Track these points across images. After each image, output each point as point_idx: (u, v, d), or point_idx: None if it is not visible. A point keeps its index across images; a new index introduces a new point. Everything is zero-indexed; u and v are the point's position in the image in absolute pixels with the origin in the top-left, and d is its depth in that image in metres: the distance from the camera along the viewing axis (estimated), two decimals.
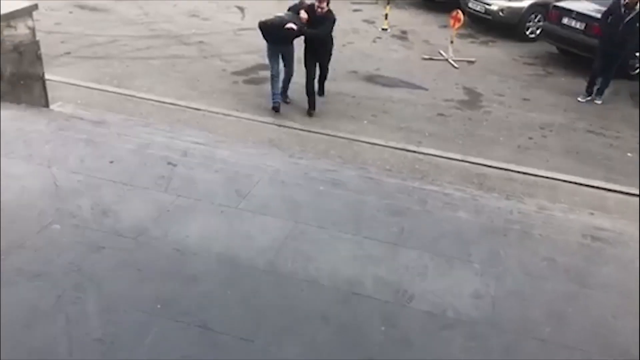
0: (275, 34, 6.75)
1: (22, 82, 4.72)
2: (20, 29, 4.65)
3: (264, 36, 6.88)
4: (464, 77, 8.59)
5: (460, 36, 9.87)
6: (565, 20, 8.88)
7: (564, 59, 9.36)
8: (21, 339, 1.88)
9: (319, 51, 7.10)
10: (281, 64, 6.95)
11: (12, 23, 4.56)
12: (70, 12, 9.73)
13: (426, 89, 8.02)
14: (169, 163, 2.80)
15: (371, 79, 8.23)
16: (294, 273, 2.23)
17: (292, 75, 7.13)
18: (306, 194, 2.71)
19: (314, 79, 7.21)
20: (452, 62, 8.89)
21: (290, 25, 6.61)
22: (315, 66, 7.17)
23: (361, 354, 1.92)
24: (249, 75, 7.85)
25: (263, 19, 6.79)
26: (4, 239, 2.26)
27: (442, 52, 9.15)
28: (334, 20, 7.02)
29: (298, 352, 1.90)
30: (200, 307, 2.04)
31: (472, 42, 9.99)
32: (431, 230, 2.52)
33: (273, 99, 7.03)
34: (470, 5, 10.44)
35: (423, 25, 10.67)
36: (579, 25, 8.70)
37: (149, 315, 2.00)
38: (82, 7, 9.60)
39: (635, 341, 1.96)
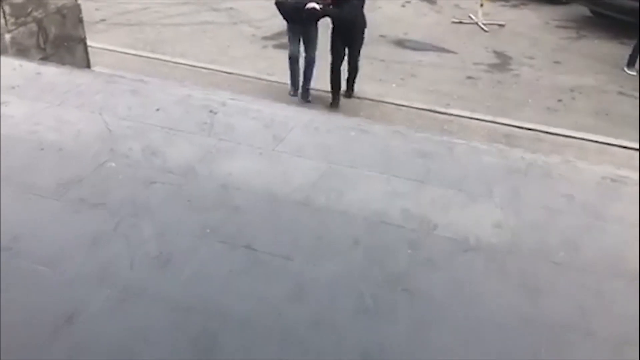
0: (294, 14, 6.03)
1: (65, 44, 5.02)
2: None
3: (282, 15, 6.23)
4: (494, 40, 8.66)
5: None
6: None
7: (598, 22, 9.31)
8: (89, 256, 2.16)
9: (348, 34, 6.18)
10: (302, 47, 6.30)
11: None
12: None
13: (455, 53, 8.14)
14: (210, 111, 3.04)
15: (400, 43, 8.36)
16: (328, 205, 2.46)
17: (313, 62, 6.33)
18: (338, 139, 2.93)
19: (340, 67, 6.34)
20: (482, 26, 8.96)
21: (312, 5, 5.83)
22: (343, 52, 6.28)
23: (389, 272, 2.16)
24: (278, 40, 8.05)
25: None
26: (66, 174, 2.55)
27: (471, 15, 9.21)
28: None
29: (332, 269, 2.15)
30: (244, 232, 2.30)
31: (503, 5, 10.00)
32: (456, 171, 2.73)
33: (291, 84, 6.48)
34: None
35: None
36: None
37: (199, 238, 2.26)
38: None
39: None
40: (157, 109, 3.11)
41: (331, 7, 6.02)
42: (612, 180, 2.74)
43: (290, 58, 6.35)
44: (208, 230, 2.31)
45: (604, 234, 2.40)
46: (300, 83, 6.45)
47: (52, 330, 1.89)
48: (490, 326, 2.00)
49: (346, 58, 6.38)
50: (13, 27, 4.54)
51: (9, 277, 2.08)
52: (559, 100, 7.01)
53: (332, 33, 6.30)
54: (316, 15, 5.98)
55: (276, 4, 6.19)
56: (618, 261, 2.28)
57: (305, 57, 6.33)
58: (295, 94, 6.51)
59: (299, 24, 6.12)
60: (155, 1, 9.10)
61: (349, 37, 6.22)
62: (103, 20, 8.42)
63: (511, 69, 7.75)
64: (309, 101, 6.45)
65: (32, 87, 3.31)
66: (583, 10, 9.57)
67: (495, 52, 8.20)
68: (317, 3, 5.90)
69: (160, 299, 2.03)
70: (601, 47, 8.59)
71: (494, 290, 2.14)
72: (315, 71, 6.39)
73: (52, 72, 3.57)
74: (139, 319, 1.96)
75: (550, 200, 2.58)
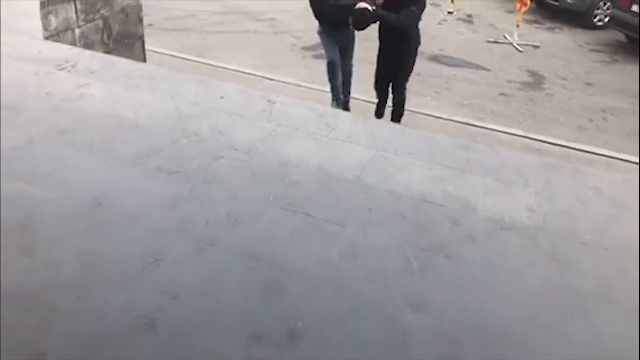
0: (334, 16, 5.09)
1: (126, 41, 5.45)
2: None
3: (317, 17, 5.32)
4: (528, 60, 8.93)
5: (526, 21, 10.18)
6: (635, 8, 9.08)
7: (632, 47, 9.53)
8: (168, 213, 2.50)
9: (398, 52, 5.13)
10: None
11: None
12: None
13: (489, 70, 8.42)
14: (269, 101, 3.39)
15: (435, 58, 8.68)
16: (377, 185, 2.78)
17: (351, 72, 5.65)
18: (385, 130, 3.25)
19: (386, 94, 5.48)
20: (517, 46, 9.23)
21: (364, 4, 4.75)
22: (389, 76, 5.34)
23: (433, 242, 2.46)
24: (317, 50, 8.42)
25: None
26: (143, 146, 2.91)
27: (507, 35, 9.50)
28: (424, 4, 4.97)
29: (381, 236, 2.46)
30: (303, 201, 2.62)
31: (538, 28, 10.29)
32: (494, 162, 3.02)
33: (332, 95, 5.65)
34: None
35: (489, 9, 11.01)
36: None
37: (264, 204, 2.59)
38: None
39: None
40: (222, 97, 3.47)
41: (380, 10, 4.90)
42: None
43: (329, 63, 5.49)
44: (271, 198, 2.63)
45: (627, 221, 2.67)
46: (340, 93, 5.78)
47: (141, 268, 2.23)
48: (521, 292, 2.28)
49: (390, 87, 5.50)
50: (82, 23, 4.97)
51: (101, 226, 2.43)
52: (590, 120, 7.24)
53: (379, 50, 5.32)
54: (366, 19, 4.88)
55: (311, 3, 5.25)
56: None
57: (342, 67, 5.57)
58: (337, 106, 5.76)
59: (337, 29, 5.25)
60: (201, 9, 9.58)
61: (398, 56, 5.19)
62: (150, 25, 8.87)
63: (544, 88, 8.01)
64: (346, 105, 5.88)
65: (109, 72, 3.70)
66: (618, 36, 9.81)
67: (528, 71, 8.47)
68: (367, 3, 4.79)
69: (232, 250, 2.35)
70: (634, 72, 8.80)
71: (526, 262, 2.42)
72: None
73: (124, 62, 3.96)
74: (215, 264, 2.28)
75: (580, 191, 2.86)
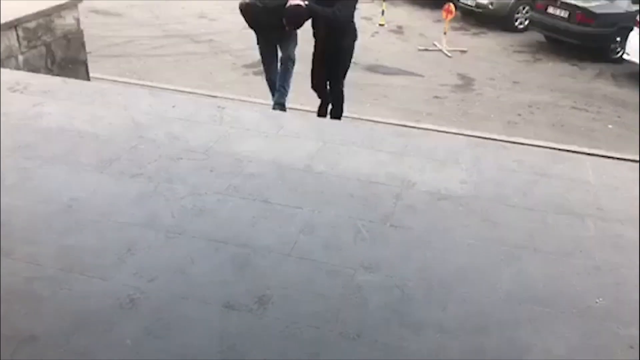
0: (267, 20, 4.89)
1: (70, 65, 5.61)
2: (68, 19, 5.54)
3: (250, 24, 5.11)
4: (457, 64, 9.53)
5: (453, 29, 10.84)
6: (550, 10, 9.86)
7: (552, 46, 10.32)
8: (135, 209, 2.73)
9: (336, 48, 5.03)
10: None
11: (62, 14, 5.46)
12: (86, 17, 10.68)
13: (422, 76, 8.96)
14: (219, 106, 3.67)
15: (371, 68, 9.15)
16: (326, 171, 3.09)
17: (292, 63, 5.22)
18: (330, 125, 3.58)
19: (326, 93, 5.37)
20: (446, 52, 9.83)
21: (296, 1, 4.62)
22: (326, 74, 5.25)
23: (379, 215, 2.78)
24: (258, 67, 8.74)
25: (246, 2, 4.95)
26: (105, 154, 3.13)
27: (436, 43, 10.10)
28: None
29: (333, 214, 2.76)
30: (260, 190, 2.90)
31: (465, 34, 10.97)
32: (428, 145, 3.39)
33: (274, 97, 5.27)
34: (461, 0, 11.43)
35: (418, 20, 11.65)
36: (563, 13, 9.68)
37: (225, 195, 2.85)
38: (96, 12, 10.51)
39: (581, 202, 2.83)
40: (173, 106, 3.72)
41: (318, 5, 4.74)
42: (554, 149, 3.44)
43: (268, 81, 5.46)
44: (230, 190, 2.90)
45: (546, 185, 3.07)
46: (276, 93, 5.25)
47: (117, 259, 2.44)
48: (458, 248, 2.63)
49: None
50: (25, 50, 5.13)
51: (75, 225, 2.63)
52: (519, 115, 7.83)
53: (316, 48, 5.19)
54: (300, 15, 4.74)
55: (242, 9, 5.02)
56: (560, 203, 2.94)
57: (282, 57, 5.22)
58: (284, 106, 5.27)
59: (273, 33, 5.06)
60: (139, 34, 9.77)
61: (336, 52, 5.06)
62: (89, 52, 8.99)
63: (474, 89, 8.59)
64: (282, 107, 5.16)
65: (61, 91, 3.89)
66: (538, 37, 10.58)
67: (458, 74, 9.05)
68: None
69: (200, 236, 2.61)
70: (555, 68, 9.55)
71: (461, 224, 2.78)
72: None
73: (75, 81, 4.16)
74: (185, 249, 2.53)
75: (504, 163, 3.25)
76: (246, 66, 8.88)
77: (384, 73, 8.97)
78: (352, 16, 4.98)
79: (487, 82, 8.83)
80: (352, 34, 5.08)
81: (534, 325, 2.20)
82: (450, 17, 9.83)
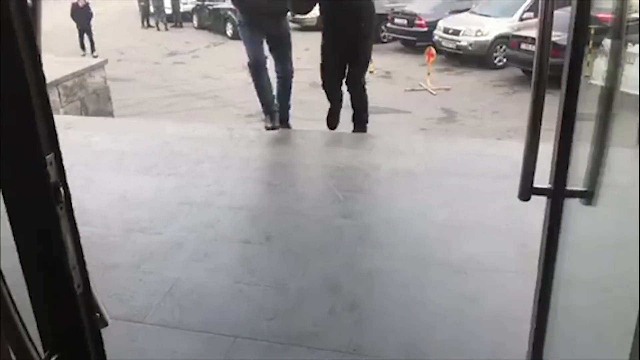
0: (261, 6, 4.41)
1: (100, 115, 6.93)
2: (97, 78, 6.92)
3: (241, 9, 4.64)
4: (442, 101, 10.84)
5: (438, 70, 12.25)
6: (523, 46, 11.25)
7: (529, 78, 11.62)
8: (172, 195, 3.91)
9: (350, 33, 4.40)
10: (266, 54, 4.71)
11: (92, 73, 6.83)
12: None
13: (410, 112, 10.24)
14: (229, 128, 4.90)
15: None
16: (312, 164, 4.28)
17: (290, 77, 4.82)
18: (319, 134, 4.79)
19: (340, 94, 4.81)
20: (431, 91, 11.17)
21: None
22: (341, 64, 4.61)
23: (352, 186, 3.95)
24: (259, 116, 10.08)
25: None
26: (145, 163, 4.33)
27: (421, 83, 11.46)
28: None
29: (318, 189, 3.93)
30: (264, 177, 4.08)
31: (449, 74, 12.36)
32: (392, 143, 4.59)
33: (261, 103, 4.88)
34: (443, 44, 12.90)
35: (404, 65, 13.09)
36: (533, 48, 11.04)
37: (238, 182, 4.04)
38: (109, 78, 11.98)
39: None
40: (194, 129, 4.96)
41: None
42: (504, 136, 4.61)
43: (250, 64, 4.66)
44: (242, 179, 4.08)
45: (483, 162, 4.24)
46: (275, 107, 4.84)
47: (166, 222, 3.60)
48: (413, 202, 3.77)
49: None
50: (65, 104, 6.45)
51: (130, 206, 3.80)
52: (498, 138, 9.02)
53: (324, 35, 4.60)
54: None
55: None
56: (487, 172, 4.09)
57: (279, 72, 4.80)
58: (275, 125, 4.83)
59: (266, 20, 4.51)
60: (149, 96, 11.21)
61: (355, 38, 4.45)
62: None
63: (457, 120, 9.84)
64: (276, 127, 4.84)
65: (105, 126, 5.16)
66: (517, 72, 11.94)
67: (443, 109, 10.34)
68: None
69: (222, 206, 3.77)
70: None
71: (415, 190, 3.93)
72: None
73: (113, 119, 5.43)
74: (213, 214, 3.69)
75: (451, 150, 4.44)
76: (248, 116, 10.22)
77: (375, 113, 10.17)
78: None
79: (469, 114, 10.09)
80: (371, 15, 4.49)
81: (462, 240, 3.31)
82: (432, 59, 11.23)
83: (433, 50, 11.18)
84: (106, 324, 1.38)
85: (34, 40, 1.05)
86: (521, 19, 12.28)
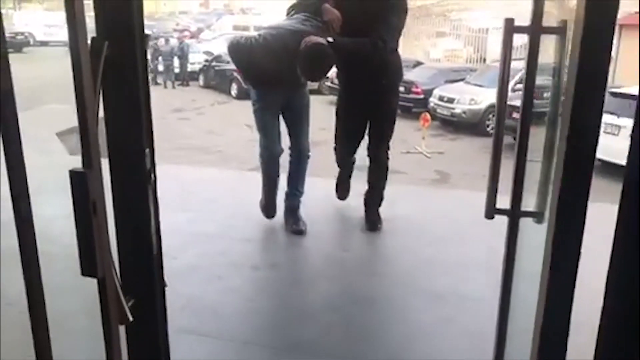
0: (274, 66, 3.65)
1: None
2: None
3: (248, 77, 4.12)
4: (436, 164, 11.43)
5: (433, 135, 12.91)
6: (514, 115, 11.92)
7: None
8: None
9: (373, 90, 3.87)
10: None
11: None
12: None
13: (405, 173, 10.79)
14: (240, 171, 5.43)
15: (359, 168, 10.98)
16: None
17: (307, 157, 4.13)
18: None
19: (352, 162, 4.47)
20: (426, 154, 11.77)
21: (315, 38, 3.50)
22: (360, 130, 4.07)
23: (352, 228, 4.44)
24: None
25: (239, 38, 3.95)
26: None
27: (417, 147, 12.08)
28: (405, 11, 3.81)
29: (315, 228, 4.42)
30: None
31: (443, 139, 13.03)
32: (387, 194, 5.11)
33: (265, 201, 4.30)
34: (438, 110, 13.64)
35: (401, 130, 13.64)
36: None
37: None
38: None
39: None
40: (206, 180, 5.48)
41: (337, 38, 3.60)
42: None
43: (266, 160, 4.12)
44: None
45: (472, 208, 4.75)
46: (285, 196, 4.26)
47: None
48: (404, 249, 4.24)
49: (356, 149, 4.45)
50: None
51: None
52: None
53: (344, 102, 4.13)
54: (324, 58, 3.54)
55: (232, 49, 3.86)
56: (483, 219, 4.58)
57: (293, 149, 4.12)
58: (271, 214, 4.31)
59: (284, 87, 3.85)
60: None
61: (379, 99, 3.91)
62: None
63: (450, 181, 10.40)
64: (300, 231, 4.18)
65: None
66: (507, 139, 12.54)
67: (436, 171, 10.91)
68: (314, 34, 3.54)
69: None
70: None
71: (407, 231, 4.41)
72: None
73: None
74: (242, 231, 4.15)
75: (440, 197, 4.96)
76: (251, 169, 10.75)
77: None
78: (398, 44, 3.83)
79: (461, 177, 10.65)
80: (398, 70, 3.99)
81: (443, 272, 3.78)
82: (427, 124, 11.90)
83: (428, 116, 11.86)
84: (166, 285, 1.86)
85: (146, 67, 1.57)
86: (513, 90, 12.98)
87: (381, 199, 4.32)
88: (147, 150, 1.59)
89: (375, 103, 3.99)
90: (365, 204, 4.35)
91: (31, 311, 1.36)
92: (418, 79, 15.01)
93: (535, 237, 1.95)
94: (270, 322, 3.27)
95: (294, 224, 4.21)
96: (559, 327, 1.64)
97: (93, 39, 1.40)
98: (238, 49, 3.84)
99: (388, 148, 4.25)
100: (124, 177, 1.59)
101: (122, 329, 1.62)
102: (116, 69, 1.46)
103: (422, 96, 14.49)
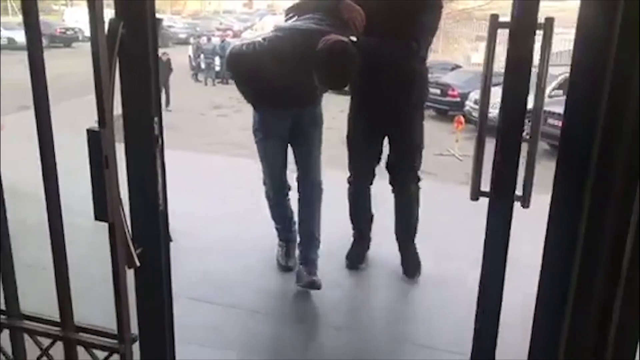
0: (281, 76, 2.93)
1: None
2: None
3: (247, 93, 3.26)
4: (467, 166, 11.37)
5: (466, 138, 12.96)
6: (550, 120, 11.95)
7: (553, 151, 12.28)
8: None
9: (395, 105, 3.25)
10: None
11: None
12: None
13: (435, 174, 10.93)
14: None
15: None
16: None
17: (320, 190, 3.40)
18: None
19: (369, 184, 3.60)
20: (458, 157, 11.87)
21: (336, 36, 2.83)
22: (378, 148, 3.47)
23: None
24: None
25: (240, 45, 3.12)
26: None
27: (449, 149, 12.19)
28: (440, 6, 3.19)
29: None
30: None
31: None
32: None
33: (285, 252, 3.71)
34: (474, 114, 13.68)
35: (436, 131, 13.86)
36: (557, 122, 11.75)
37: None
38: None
39: None
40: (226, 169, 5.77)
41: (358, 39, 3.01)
42: None
43: (273, 197, 3.57)
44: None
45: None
46: (297, 241, 3.56)
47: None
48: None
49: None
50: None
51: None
52: None
53: (358, 118, 3.41)
54: (345, 60, 2.83)
55: (233, 57, 3.11)
56: None
57: (304, 183, 3.43)
58: (288, 264, 3.66)
59: (292, 102, 3.15)
60: (192, 142, 12.17)
61: (405, 117, 3.32)
62: None
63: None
64: (314, 283, 3.33)
65: None
66: (542, 145, 12.58)
67: (466, 174, 10.98)
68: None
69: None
70: (551, 167, 11.42)
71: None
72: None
73: None
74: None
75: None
76: None
77: None
78: (426, 52, 3.32)
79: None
80: (426, 84, 3.43)
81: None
82: (461, 127, 11.99)
83: (462, 119, 11.94)
84: (171, 240, 2.12)
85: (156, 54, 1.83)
86: (550, 96, 13.02)
87: (415, 232, 3.60)
88: (156, 118, 1.85)
89: (400, 125, 3.35)
90: (398, 243, 3.62)
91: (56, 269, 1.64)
92: (455, 82, 15.08)
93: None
94: (280, 294, 3.55)
95: (309, 274, 3.34)
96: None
97: (111, 19, 1.66)
98: (239, 61, 3.11)
99: (419, 179, 3.59)
100: (136, 141, 1.85)
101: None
102: (131, 46, 1.72)
103: (458, 99, 14.56)
